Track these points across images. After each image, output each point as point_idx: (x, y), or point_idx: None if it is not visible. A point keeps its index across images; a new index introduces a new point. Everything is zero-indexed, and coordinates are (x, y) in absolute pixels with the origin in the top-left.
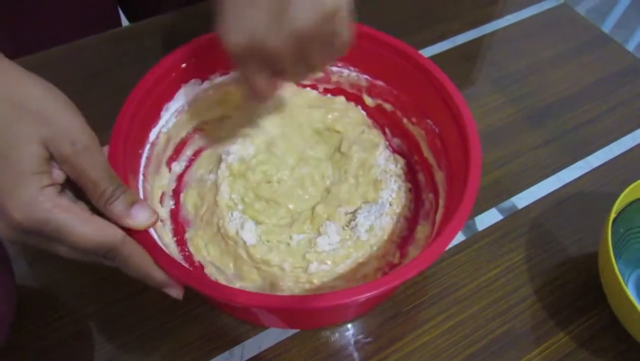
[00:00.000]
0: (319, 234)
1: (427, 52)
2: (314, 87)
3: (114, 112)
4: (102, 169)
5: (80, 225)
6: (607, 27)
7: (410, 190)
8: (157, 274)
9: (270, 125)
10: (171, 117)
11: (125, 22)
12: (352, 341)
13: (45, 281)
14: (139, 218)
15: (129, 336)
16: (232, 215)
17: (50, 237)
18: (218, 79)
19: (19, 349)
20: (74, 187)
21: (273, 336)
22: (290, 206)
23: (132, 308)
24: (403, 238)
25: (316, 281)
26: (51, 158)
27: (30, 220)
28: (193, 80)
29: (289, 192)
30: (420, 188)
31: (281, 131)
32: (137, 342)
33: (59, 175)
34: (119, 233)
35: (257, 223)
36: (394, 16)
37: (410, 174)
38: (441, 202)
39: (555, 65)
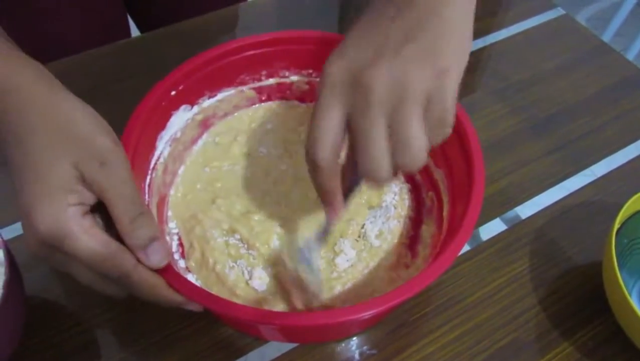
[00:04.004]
0: (335, 253)
1: None
2: (302, 100)
3: (121, 124)
4: (123, 193)
5: (96, 248)
6: (607, 36)
7: (410, 190)
8: (170, 296)
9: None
10: (166, 145)
11: (135, 31)
12: (357, 353)
13: (55, 291)
14: (152, 259)
15: (137, 346)
16: (233, 263)
17: (67, 254)
18: (206, 102)
19: (29, 358)
20: (104, 214)
21: (276, 347)
22: (307, 234)
23: (141, 318)
24: (411, 238)
25: (330, 302)
26: (82, 179)
27: (51, 234)
28: (183, 107)
29: (306, 217)
30: (419, 188)
31: (286, 157)
32: (146, 352)
33: (89, 198)
34: (131, 261)
35: (271, 265)
36: None
37: (408, 175)
38: (445, 198)
39: (558, 75)
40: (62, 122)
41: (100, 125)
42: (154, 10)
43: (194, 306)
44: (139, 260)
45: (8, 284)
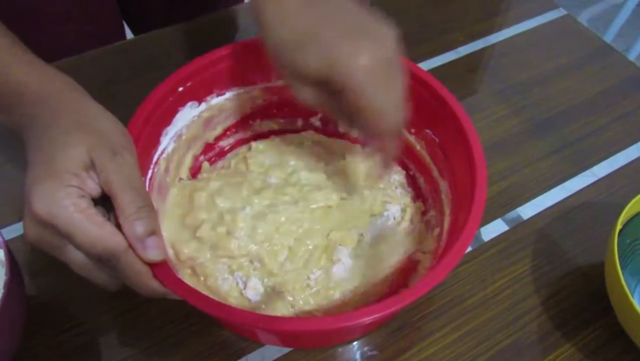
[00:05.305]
0: (332, 262)
1: (431, 63)
2: None
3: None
4: (131, 184)
5: (90, 227)
6: (609, 36)
7: (413, 199)
8: (155, 285)
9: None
10: (170, 141)
11: (129, 35)
12: (358, 354)
13: (55, 292)
14: (149, 252)
15: (137, 347)
16: (229, 275)
17: (62, 233)
18: (214, 100)
19: (29, 359)
20: (108, 206)
21: (277, 349)
22: (309, 246)
23: (140, 319)
24: (412, 246)
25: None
26: (92, 166)
27: (46, 212)
28: (190, 103)
29: (312, 226)
30: (422, 196)
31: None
32: (146, 353)
33: (91, 187)
34: (123, 243)
35: (269, 276)
36: (398, 28)
37: (412, 183)
38: (446, 210)
39: (559, 76)
40: (83, 117)
41: (118, 126)
42: (149, 16)
43: (174, 297)
44: (134, 251)
45: (9, 284)
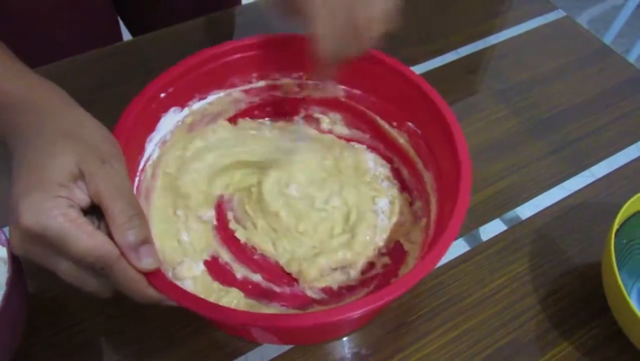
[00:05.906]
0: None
1: (431, 64)
2: (288, 100)
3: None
4: (122, 193)
5: (81, 237)
6: (609, 37)
7: (400, 191)
8: (149, 292)
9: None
10: (155, 148)
11: (126, 35)
12: (356, 353)
13: (54, 290)
14: (143, 261)
15: (135, 346)
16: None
17: (52, 244)
18: (197, 104)
19: (28, 357)
20: (97, 215)
21: (275, 347)
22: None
23: (139, 319)
24: (400, 239)
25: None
26: (80, 176)
27: (35, 223)
28: (173, 109)
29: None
30: (407, 189)
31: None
32: (146, 352)
33: (80, 198)
34: (115, 252)
35: None
36: (398, 29)
37: (397, 176)
38: (432, 200)
39: (558, 77)
40: (70, 125)
41: (105, 134)
42: (146, 15)
43: (172, 302)
44: (128, 261)
45: (11, 282)
